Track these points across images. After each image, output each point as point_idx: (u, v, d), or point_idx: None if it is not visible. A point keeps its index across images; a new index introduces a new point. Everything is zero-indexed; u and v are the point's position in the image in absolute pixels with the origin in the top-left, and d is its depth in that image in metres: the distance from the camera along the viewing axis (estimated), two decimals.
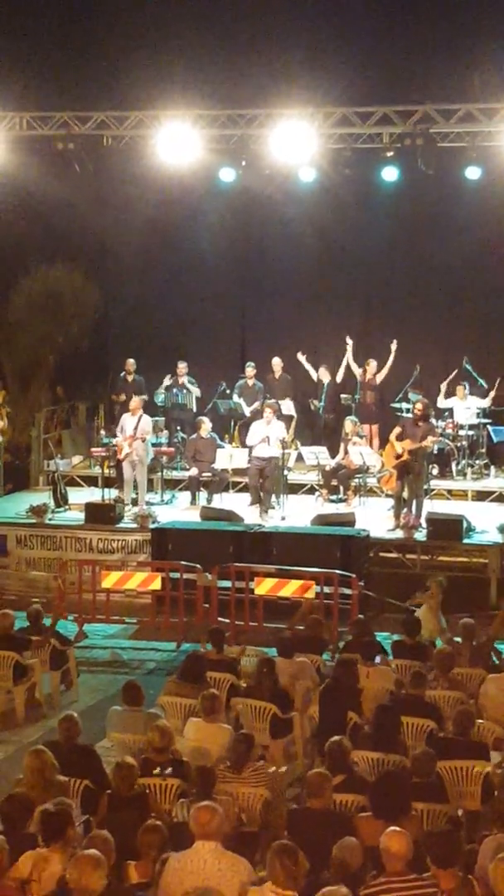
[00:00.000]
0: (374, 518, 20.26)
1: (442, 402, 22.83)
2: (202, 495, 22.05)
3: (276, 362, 23.91)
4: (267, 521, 20.18)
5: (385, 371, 23.14)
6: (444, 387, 22.90)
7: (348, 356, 23.43)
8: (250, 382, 23.82)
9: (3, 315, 25.25)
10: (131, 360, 24.09)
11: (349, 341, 23.38)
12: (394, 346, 23.03)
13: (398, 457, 19.69)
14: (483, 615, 14.89)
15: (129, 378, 23.94)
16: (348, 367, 23.47)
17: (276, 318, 25.51)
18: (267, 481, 20.79)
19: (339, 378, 23.60)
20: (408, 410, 21.22)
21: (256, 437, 21.08)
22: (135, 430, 21.48)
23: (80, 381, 26.28)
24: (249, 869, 7.72)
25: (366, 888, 7.43)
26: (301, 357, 23.78)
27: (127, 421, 21.77)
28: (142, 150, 22.08)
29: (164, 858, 7.88)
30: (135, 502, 21.57)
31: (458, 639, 13.66)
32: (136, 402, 22.08)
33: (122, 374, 24.02)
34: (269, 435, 20.82)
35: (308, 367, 23.77)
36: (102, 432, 23.68)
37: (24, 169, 22.18)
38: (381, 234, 24.38)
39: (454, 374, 23.00)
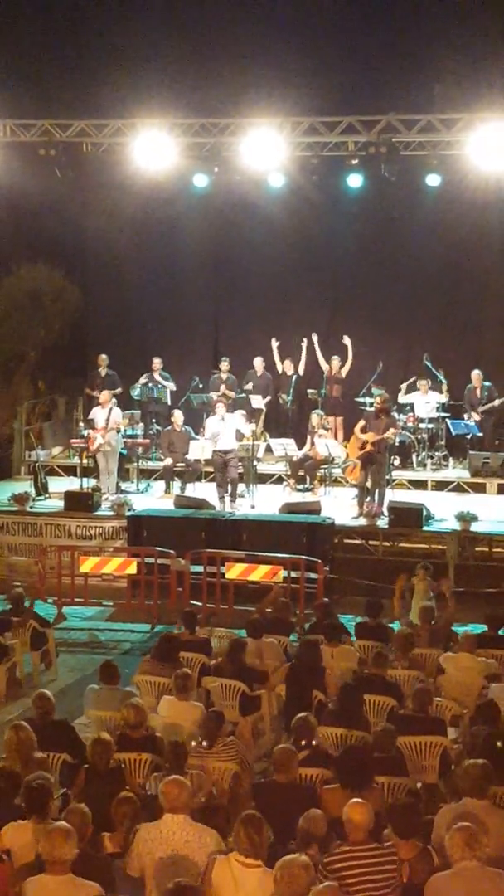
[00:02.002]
0: (339, 506, 20.27)
1: (403, 398, 22.92)
2: (176, 484, 22.05)
3: (258, 362, 23.95)
4: (235, 510, 20.17)
5: (348, 365, 23.21)
6: (404, 386, 23.00)
7: (316, 351, 23.48)
8: (224, 376, 23.81)
9: None
10: (104, 356, 24.14)
11: (314, 338, 23.44)
12: (346, 341, 23.20)
13: (362, 448, 19.71)
14: (441, 599, 14.89)
15: (102, 373, 23.94)
16: (316, 362, 23.51)
17: (247, 317, 25.51)
18: (230, 471, 20.74)
19: (301, 371, 23.67)
20: (371, 404, 21.22)
21: (209, 433, 21.02)
22: (106, 422, 21.49)
23: (60, 375, 26.24)
24: (217, 839, 7.72)
25: (329, 856, 7.44)
26: (274, 344, 23.81)
27: (98, 413, 21.80)
28: (120, 156, 22.05)
29: (137, 829, 7.88)
30: (118, 490, 21.59)
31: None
32: (105, 395, 22.09)
33: (97, 369, 24.02)
34: (221, 431, 20.72)
35: (277, 358, 23.83)
36: (81, 424, 23.65)
37: (8, 174, 22.12)
38: (346, 238, 24.41)
39: (413, 379, 23.09)
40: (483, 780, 8.10)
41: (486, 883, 7.06)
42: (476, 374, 22.69)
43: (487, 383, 22.66)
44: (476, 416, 22.36)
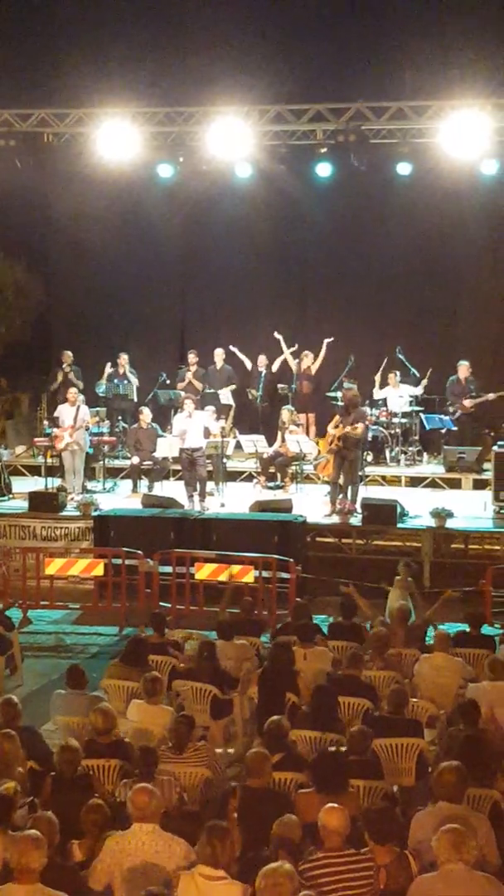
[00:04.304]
0: (311, 504, 20.23)
1: (378, 394, 22.93)
2: (143, 483, 22.01)
3: (218, 353, 23.93)
4: (204, 509, 20.14)
5: (319, 362, 23.21)
6: (378, 378, 23.00)
7: (283, 348, 23.46)
8: (193, 368, 23.78)
9: None
10: (68, 352, 24.07)
11: (279, 336, 23.45)
12: (326, 342, 23.15)
13: (332, 443, 19.73)
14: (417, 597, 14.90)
15: (66, 369, 23.86)
16: (285, 359, 23.50)
17: (215, 310, 25.55)
18: (198, 469, 20.70)
19: (275, 368, 23.65)
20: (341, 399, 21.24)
21: (177, 430, 20.99)
22: (74, 420, 21.43)
23: (23, 372, 26.12)
24: (186, 850, 7.69)
25: (304, 863, 7.41)
26: (233, 348, 23.82)
27: (65, 411, 21.73)
28: (82, 146, 22.03)
29: (107, 836, 7.85)
30: (85, 489, 21.53)
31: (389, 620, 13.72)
32: (72, 393, 22.02)
33: (61, 365, 23.96)
34: (188, 428, 20.68)
35: (242, 357, 23.80)
36: (45, 422, 23.57)
37: None
38: (315, 228, 24.42)
39: (384, 363, 23.09)
40: (458, 785, 8.10)
41: (472, 886, 7.06)
42: (463, 365, 22.63)
43: (471, 377, 22.64)
44: (468, 405, 22.26)
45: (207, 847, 7.22)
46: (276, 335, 23.56)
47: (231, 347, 23.83)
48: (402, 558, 16.32)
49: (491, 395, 22.22)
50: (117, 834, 7.83)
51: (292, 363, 23.44)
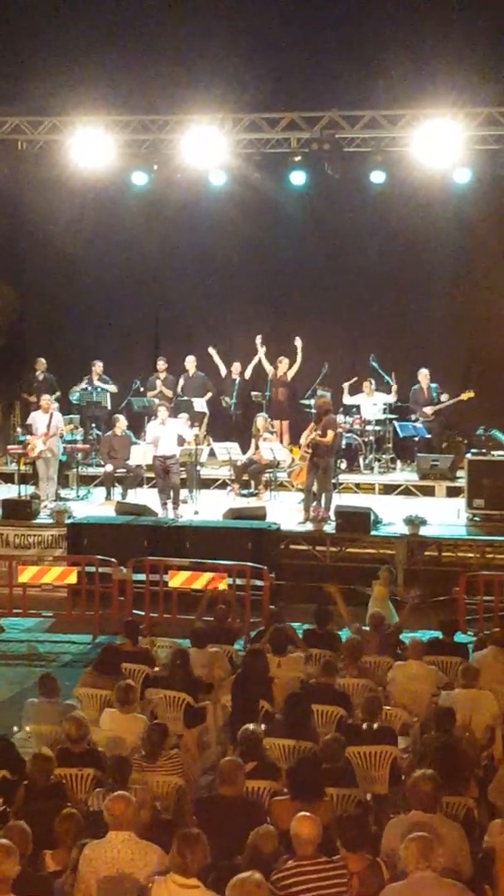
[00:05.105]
0: (285, 511, 20.25)
1: (348, 399, 22.97)
2: (117, 491, 21.98)
3: (190, 360, 23.91)
4: (178, 516, 20.13)
5: (296, 368, 23.22)
6: (346, 385, 23.04)
7: (260, 356, 23.48)
8: (162, 376, 23.78)
9: None
10: (42, 359, 24.12)
11: (259, 343, 23.46)
12: (298, 343, 23.18)
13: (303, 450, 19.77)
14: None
15: (40, 377, 23.85)
16: (260, 366, 23.50)
17: (189, 318, 25.50)
18: (172, 477, 20.68)
19: (247, 374, 23.67)
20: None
21: (150, 438, 20.97)
22: (48, 428, 21.39)
23: None
24: (162, 856, 7.66)
25: (277, 872, 7.41)
26: (212, 351, 23.81)
27: (38, 419, 21.65)
28: (56, 154, 22.06)
29: (81, 845, 7.82)
30: (58, 497, 21.49)
31: (367, 628, 13.72)
32: (45, 400, 21.97)
33: (34, 372, 23.92)
34: (161, 436, 20.66)
35: (218, 361, 23.82)
36: (19, 430, 23.49)
37: None
38: (290, 236, 24.42)
39: (355, 379, 23.16)
40: (433, 794, 8.09)
41: (441, 893, 7.05)
42: (423, 374, 22.74)
43: (434, 384, 22.72)
44: (428, 412, 22.37)
45: (178, 856, 7.20)
46: (258, 341, 23.56)
47: (210, 350, 23.79)
48: (382, 566, 16.37)
49: (445, 400, 22.32)
50: (93, 842, 7.80)
51: (268, 368, 23.43)
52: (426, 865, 7.05)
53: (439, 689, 11.66)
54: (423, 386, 22.72)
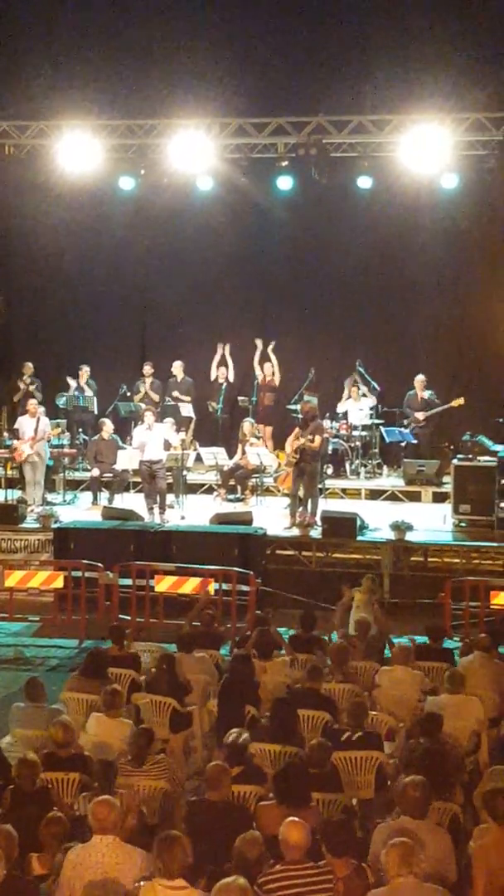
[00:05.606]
0: (271, 516, 20.28)
1: (340, 407, 23.01)
2: (103, 495, 21.98)
3: (178, 365, 23.93)
4: (164, 521, 20.13)
5: (278, 373, 23.24)
6: (344, 396, 23.09)
7: (256, 357, 23.53)
8: (148, 380, 23.81)
9: None
10: (29, 364, 24.14)
11: (259, 345, 23.50)
12: (269, 347, 23.43)
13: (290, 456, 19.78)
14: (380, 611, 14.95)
15: (27, 381, 23.85)
16: (252, 368, 23.54)
17: (176, 323, 25.45)
18: (158, 482, 20.69)
19: (231, 378, 23.69)
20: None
21: (136, 443, 20.99)
22: (35, 432, 21.39)
23: None
24: (146, 860, 7.68)
25: (263, 876, 7.42)
26: (258, 342, 23.83)
27: (25, 423, 21.65)
28: (43, 158, 22.06)
29: (66, 849, 7.84)
30: (45, 502, 21.48)
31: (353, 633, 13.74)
32: (32, 404, 21.97)
33: (21, 377, 23.92)
34: (148, 440, 20.68)
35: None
36: (5, 434, 23.45)
37: None
38: (276, 241, 24.45)
39: (348, 382, 23.17)
40: (422, 800, 8.11)
41: None
42: (419, 380, 22.75)
43: (429, 391, 22.72)
44: (420, 418, 22.40)
45: (158, 861, 7.24)
46: (257, 342, 23.62)
47: (224, 349, 23.77)
48: (367, 573, 16.39)
49: (438, 406, 22.35)
50: (78, 847, 7.81)
51: (258, 373, 23.46)
52: (408, 871, 7.08)
53: (424, 693, 11.68)
54: (417, 391, 22.72)
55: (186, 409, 23.47)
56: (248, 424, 22.18)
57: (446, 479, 21.30)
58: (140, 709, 11.72)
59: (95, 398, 23.91)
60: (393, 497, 22.24)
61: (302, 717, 10.87)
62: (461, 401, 22.03)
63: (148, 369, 23.98)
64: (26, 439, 21.42)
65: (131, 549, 18.31)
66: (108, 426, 22.22)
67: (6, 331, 26.14)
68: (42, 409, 22.19)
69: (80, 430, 23.78)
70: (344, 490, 22.55)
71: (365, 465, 23.05)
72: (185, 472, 21.77)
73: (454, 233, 23.18)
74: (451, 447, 22.28)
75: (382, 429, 22.92)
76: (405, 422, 22.70)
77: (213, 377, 23.85)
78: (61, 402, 23.82)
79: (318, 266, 24.51)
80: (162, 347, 25.33)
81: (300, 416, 20.14)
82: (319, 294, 24.66)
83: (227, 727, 10.06)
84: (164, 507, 20.69)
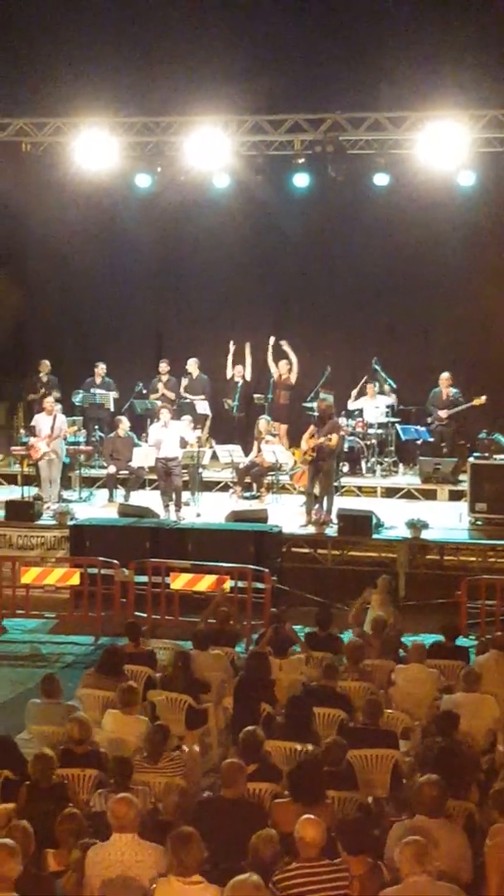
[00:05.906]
0: (287, 514, 20.25)
1: (352, 404, 22.97)
2: (119, 492, 22.00)
3: (192, 362, 23.94)
4: (180, 518, 20.14)
5: (294, 370, 23.20)
6: (354, 392, 23.03)
7: (269, 356, 23.49)
8: (164, 378, 23.83)
9: None
10: (45, 361, 24.17)
11: (271, 341, 23.47)
12: (285, 346, 23.24)
13: (306, 454, 19.78)
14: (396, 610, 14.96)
15: (44, 378, 23.89)
16: (267, 366, 23.51)
17: (192, 320, 25.44)
18: (174, 479, 20.70)
19: (248, 376, 23.67)
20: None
21: (152, 440, 21.02)
22: (52, 430, 21.42)
23: (1, 381, 26.04)
24: (165, 857, 7.68)
25: (279, 873, 7.43)
26: (283, 344, 23.64)
27: (42, 421, 21.70)
28: (61, 156, 22.06)
29: (82, 845, 7.85)
30: (61, 499, 21.51)
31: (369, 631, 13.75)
32: (49, 402, 22.00)
33: (38, 374, 23.95)
34: (164, 438, 20.70)
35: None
36: (22, 431, 23.52)
37: None
38: (292, 239, 24.40)
39: (363, 381, 23.14)
40: (439, 799, 8.11)
41: None
42: (444, 377, 22.67)
43: (454, 389, 22.65)
44: (443, 416, 22.34)
45: (173, 857, 7.26)
46: (271, 339, 23.58)
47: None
48: (382, 573, 16.36)
49: (462, 404, 22.28)
50: (98, 845, 7.83)
51: (273, 370, 23.44)
52: (421, 870, 7.07)
53: (440, 692, 11.68)
54: (443, 389, 22.66)
55: (202, 407, 23.48)
56: (263, 422, 22.17)
57: (462, 477, 21.25)
58: (156, 705, 11.76)
59: (111, 395, 23.91)
60: (409, 495, 22.22)
61: (317, 714, 10.89)
62: (483, 399, 21.94)
63: (164, 367, 24.02)
64: (43, 437, 21.45)
65: (147, 547, 18.32)
66: (124, 423, 22.24)
67: (23, 328, 26.16)
68: (59, 406, 22.21)
69: (97, 427, 23.78)
70: (360, 488, 22.54)
71: (381, 463, 23.02)
72: (200, 470, 21.79)
73: (471, 230, 23.11)
74: (468, 445, 22.25)
75: (398, 427, 22.90)
76: (428, 419, 22.65)
77: (228, 375, 23.82)
78: (77, 399, 23.84)
79: (335, 263, 24.50)
80: (178, 345, 25.34)
81: (316, 413, 20.13)
82: (336, 291, 24.65)
83: (242, 724, 10.06)
84: (180, 504, 20.70)
